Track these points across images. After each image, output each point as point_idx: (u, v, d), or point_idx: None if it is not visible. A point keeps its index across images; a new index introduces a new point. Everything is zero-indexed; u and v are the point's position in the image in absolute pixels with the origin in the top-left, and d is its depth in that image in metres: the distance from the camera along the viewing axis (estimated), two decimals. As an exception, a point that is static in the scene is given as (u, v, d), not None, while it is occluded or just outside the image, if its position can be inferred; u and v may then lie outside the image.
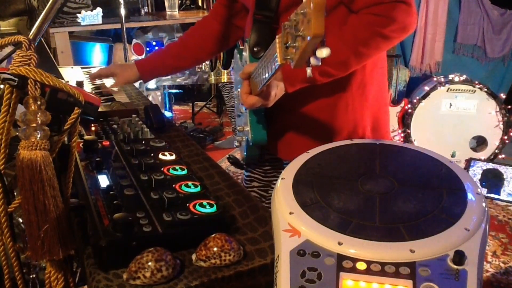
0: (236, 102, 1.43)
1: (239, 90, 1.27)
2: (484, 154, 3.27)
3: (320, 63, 0.77)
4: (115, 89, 1.83)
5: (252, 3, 1.25)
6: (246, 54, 1.26)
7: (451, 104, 3.22)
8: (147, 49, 3.88)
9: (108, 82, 1.90)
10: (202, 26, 1.58)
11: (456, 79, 3.22)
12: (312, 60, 0.76)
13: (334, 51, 1.07)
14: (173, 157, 1.11)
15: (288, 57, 0.80)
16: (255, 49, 1.22)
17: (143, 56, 3.84)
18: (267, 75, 0.96)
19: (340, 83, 1.21)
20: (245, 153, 1.39)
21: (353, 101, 1.27)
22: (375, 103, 1.32)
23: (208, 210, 0.89)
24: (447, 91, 3.20)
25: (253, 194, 1.57)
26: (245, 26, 1.40)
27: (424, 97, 3.21)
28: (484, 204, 0.73)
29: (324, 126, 1.28)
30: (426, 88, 3.27)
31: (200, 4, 4.47)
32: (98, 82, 1.91)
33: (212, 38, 1.56)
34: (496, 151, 3.26)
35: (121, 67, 1.68)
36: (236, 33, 1.56)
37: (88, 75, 1.99)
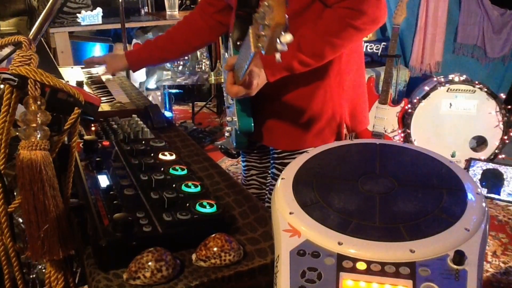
0: (225, 94, 1.52)
1: None
2: (484, 154, 3.26)
3: (286, 48, 0.85)
4: (109, 77, 1.97)
5: (235, 1, 1.35)
6: (231, 48, 1.36)
7: (451, 104, 3.22)
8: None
9: (102, 71, 2.04)
10: (188, 22, 1.68)
11: (456, 79, 3.21)
12: (279, 46, 0.84)
13: (310, 43, 1.21)
14: (173, 157, 1.11)
15: (260, 45, 0.87)
16: (238, 42, 1.30)
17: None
18: (246, 64, 1.04)
19: (318, 72, 1.30)
20: (234, 142, 1.49)
21: (331, 89, 1.36)
22: (352, 91, 1.42)
23: (208, 210, 0.89)
24: (447, 91, 3.20)
25: (252, 183, 1.69)
26: (228, 22, 1.52)
27: (424, 97, 3.20)
28: (484, 204, 0.73)
29: (304, 113, 1.38)
30: (426, 88, 3.26)
31: (200, 4, 4.47)
32: (93, 73, 2.03)
33: (196, 33, 1.66)
34: (496, 151, 3.26)
35: (111, 56, 1.82)
36: (219, 29, 1.64)
37: (88, 75, 2.00)
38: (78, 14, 3.42)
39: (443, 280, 0.61)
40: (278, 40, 0.83)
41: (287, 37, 0.83)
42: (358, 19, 1.18)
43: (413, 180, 0.79)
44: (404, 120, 3.33)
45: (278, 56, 0.88)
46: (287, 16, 0.79)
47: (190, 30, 1.66)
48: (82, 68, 2.10)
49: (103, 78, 1.99)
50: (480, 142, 3.35)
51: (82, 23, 3.42)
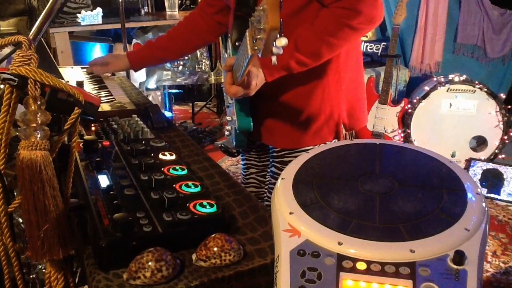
0: (225, 94, 1.54)
1: None
2: (484, 154, 3.26)
3: (281, 52, 0.86)
4: (108, 75, 1.99)
5: (233, 1, 1.36)
6: (230, 48, 1.37)
7: (451, 104, 3.22)
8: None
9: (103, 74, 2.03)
10: (188, 22, 1.70)
11: (456, 79, 3.21)
12: (274, 49, 0.86)
13: (307, 43, 1.22)
14: (173, 157, 1.11)
15: (256, 48, 0.89)
16: (236, 43, 1.31)
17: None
18: (243, 65, 1.05)
19: (316, 71, 1.31)
20: (234, 141, 1.50)
21: (329, 88, 1.37)
22: (351, 90, 1.43)
23: (208, 210, 0.89)
24: (447, 91, 3.20)
25: (252, 182, 1.71)
26: (227, 22, 1.52)
27: (424, 97, 3.20)
28: (484, 204, 0.73)
29: (302, 112, 1.39)
30: (426, 88, 3.26)
31: (200, 4, 4.47)
32: (93, 73, 2.02)
33: (196, 34, 1.69)
34: (496, 151, 3.25)
35: (114, 57, 1.87)
36: (219, 29, 1.67)
37: (88, 75, 2.00)
38: (78, 14, 3.41)
39: (443, 280, 0.61)
40: (273, 44, 0.85)
41: (282, 41, 0.84)
42: (354, 19, 1.19)
43: (413, 180, 0.79)
44: (404, 120, 3.33)
45: (274, 59, 0.89)
46: (281, 20, 0.81)
47: (191, 30, 1.68)
48: (82, 68, 2.10)
49: (103, 77, 1.99)
50: (480, 142, 3.35)
51: (82, 23, 3.42)
